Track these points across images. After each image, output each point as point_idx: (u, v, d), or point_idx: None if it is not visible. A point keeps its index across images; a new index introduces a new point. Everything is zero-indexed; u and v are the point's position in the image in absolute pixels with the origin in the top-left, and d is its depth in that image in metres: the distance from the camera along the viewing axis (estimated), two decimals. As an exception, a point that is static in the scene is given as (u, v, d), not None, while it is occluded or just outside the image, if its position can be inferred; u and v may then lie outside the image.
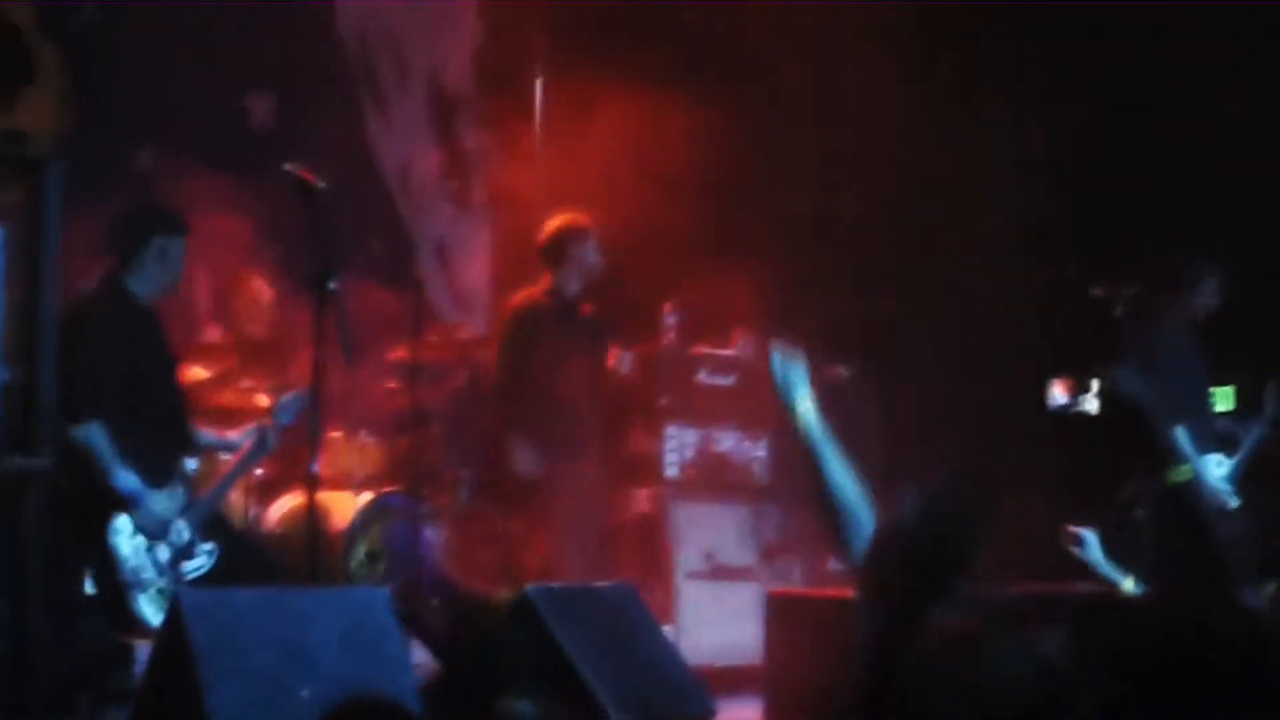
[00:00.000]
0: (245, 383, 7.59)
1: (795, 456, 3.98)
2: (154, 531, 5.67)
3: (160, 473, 5.80)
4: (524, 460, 7.22)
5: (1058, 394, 6.09)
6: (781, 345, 3.92)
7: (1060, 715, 2.41)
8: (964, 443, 8.89)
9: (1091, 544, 6.37)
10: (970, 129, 8.77)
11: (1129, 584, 6.33)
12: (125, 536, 5.66)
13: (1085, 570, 7.29)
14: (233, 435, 6.26)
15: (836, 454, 3.72)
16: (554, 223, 7.46)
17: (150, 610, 5.59)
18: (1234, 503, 7.31)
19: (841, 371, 9.00)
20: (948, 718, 2.48)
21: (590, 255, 7.29)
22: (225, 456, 6.39)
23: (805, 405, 3.79)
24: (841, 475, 3.67)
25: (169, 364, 6.07)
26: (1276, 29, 8.21)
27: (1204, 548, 7.10)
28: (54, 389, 4.76)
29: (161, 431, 5.90)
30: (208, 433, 6.24)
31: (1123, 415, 7.03)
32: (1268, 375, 7.76)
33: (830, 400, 9.39)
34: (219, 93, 8.69)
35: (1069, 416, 6.09)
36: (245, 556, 6.00)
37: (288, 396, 6.38)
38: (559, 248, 7.27)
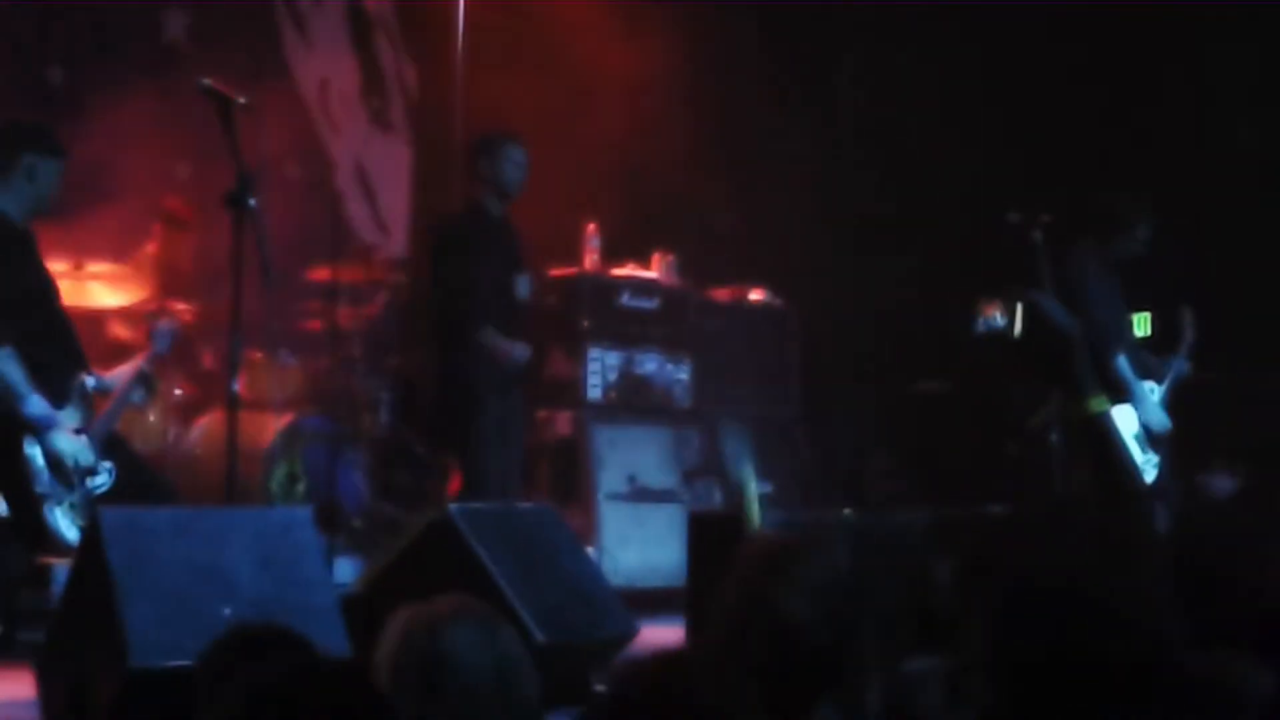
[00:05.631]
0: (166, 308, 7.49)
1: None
2: (64, 458, 5.61)
3: (60, 391, 5.71)
4: (511, 348, 6.94)
5: (987, 316, 6.03)
6: (731, 427, 3.90)
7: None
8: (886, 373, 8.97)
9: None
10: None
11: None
12: (40, 449, 5.59)
13: (1001, 493, 7.32)
14: (108, 377, 6.12)
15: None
16: (474, 137, 7.30)
17: (64, 524, 5.54)
18: (1168, 425, 7.29)
19: (762, 295, 8.99)
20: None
21: (508, 169, 7.05)
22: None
23: (751, 489, 3.75)
24: None
25: (51, 284, 5.97)
26: None
27: (1112, 480, 7.12)
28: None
29: (57, 350, 5.80)
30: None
31: (1044, 339, 7.02)
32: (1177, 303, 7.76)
33: (750, 331, 9.37)
34: (131, 9, 8.51)
35: (994, 338, 6.06)
36: (140, 477, 5.95)
37: (163, 325, 6.32)
38: (474, 162, 7.08)
